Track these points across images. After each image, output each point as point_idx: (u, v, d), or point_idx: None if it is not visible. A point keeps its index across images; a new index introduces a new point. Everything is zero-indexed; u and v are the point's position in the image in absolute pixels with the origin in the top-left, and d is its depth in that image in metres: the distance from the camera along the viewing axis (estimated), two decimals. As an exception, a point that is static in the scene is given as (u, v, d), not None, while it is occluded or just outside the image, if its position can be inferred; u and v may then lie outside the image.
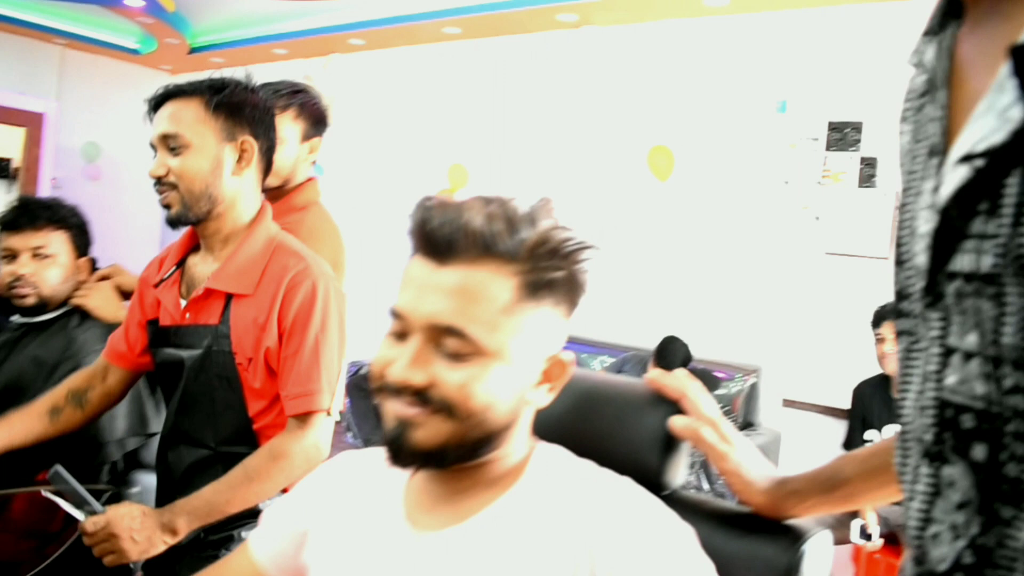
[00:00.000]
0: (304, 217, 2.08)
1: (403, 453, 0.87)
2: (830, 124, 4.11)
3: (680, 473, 1.07)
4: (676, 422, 1.04)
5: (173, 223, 1.55)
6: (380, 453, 1.05)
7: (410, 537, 0.93)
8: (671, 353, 3.82)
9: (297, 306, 1.53)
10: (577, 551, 0.83)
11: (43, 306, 2.04)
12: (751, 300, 4.26)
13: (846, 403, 3.35)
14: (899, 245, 0.63)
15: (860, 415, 3.16)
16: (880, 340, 3.04)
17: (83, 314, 2.07)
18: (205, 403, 1.57)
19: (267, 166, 1.64)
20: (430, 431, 0.85)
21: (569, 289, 0.90)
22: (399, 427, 0.87)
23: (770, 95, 4.28)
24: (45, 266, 2.02)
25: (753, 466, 1.01)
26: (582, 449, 0.97)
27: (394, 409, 0.87)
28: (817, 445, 3.68)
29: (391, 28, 5.53)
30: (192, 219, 1.55)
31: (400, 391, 0.85)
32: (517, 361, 0.86)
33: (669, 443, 1.05)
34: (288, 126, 2.11)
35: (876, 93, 3.91)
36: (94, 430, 1.86)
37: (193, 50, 6.76)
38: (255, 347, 1.53)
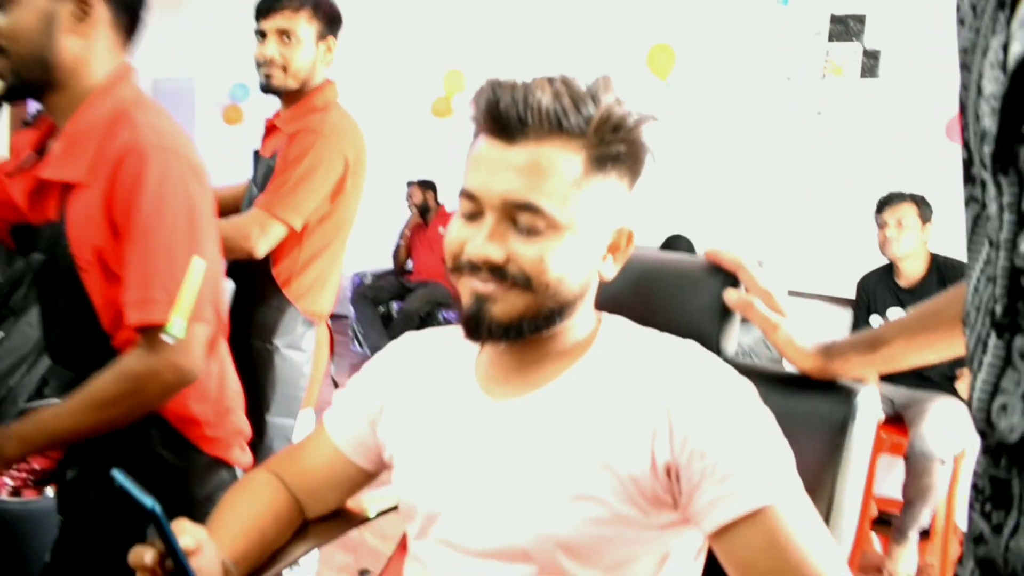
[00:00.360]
0: (325, 117, 2.07)
1: (482, 327, 0.91)
2: (833, 16, 4.07)
3: (733, 340, 1.14)
4: (729, 295, 1.10)
5: (6, 97, 1.32)
6: (444, 332, 1.11)
7: (489, 405, 0.98)
8: (676, 250, 3.89)
9: (123, 189, 1.22)
10: (655, 408, 0.88)
11: None
12: (753, 195, 4.30)
13: (850, 292, 3.42)
14: (962, 108, 0.59)
15: (865, 305, 3.23)
16: (883, 226, 3.08)
17: None
18: (58, 316, 1.36)
19: (130, 22, 1.36)
20: (507, 305, 0.90)
21: (633, 161, 0.94)
22: (477, 302, 0.91)
23: (772, -12, 4.23)
24: None
25: (803, 333, 1.08)
26: (642, 321, 1.03)
27: (471, 286, 0.91)
28: (823, 334, 3.78)
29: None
30: (26, 90, 1.30)
31: (477, 268, 0.90)
32: (587, 233, 0.91)
33: (724, 313, 1.11)
34: (303, 27, 2.06)
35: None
36: None
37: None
38: (89, 246, 1.27)
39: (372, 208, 6.37)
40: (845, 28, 4.05)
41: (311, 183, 1.99)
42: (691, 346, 0.96)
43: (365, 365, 1.14)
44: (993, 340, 0.54)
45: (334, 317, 6.70)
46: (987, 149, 0.53)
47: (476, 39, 5.40)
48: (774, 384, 1.06)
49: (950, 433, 2.71)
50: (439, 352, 1.08)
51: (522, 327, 0.92)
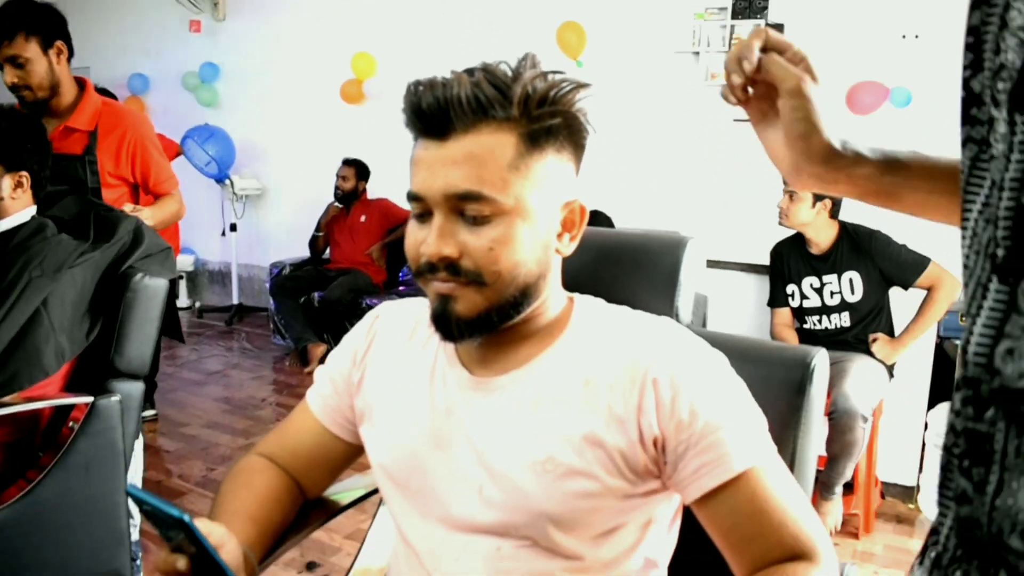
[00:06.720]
0: (117, 108, 2.75)
1: (451, 326, 0.93)
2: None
3: (690, 311, 1.17)
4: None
5: None
6: (422, 303, 1.09)
7: (473, 381, 0.99)
8: (596, 225, 3.95)
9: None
10: (639, 382, 0.91)
11: None
12: (666, 170, 4.39)
13: (764, 259, 3.52)
14: (974, 48, 0.55)
15: (780, 272, 3.33)
16: (789, 194, 3.13)
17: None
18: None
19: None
20: (468, 302, 0.91)
21: (569, 132, 0.94)
22: (441, 303, 0.92)
23: (677, -35, 4.31)
24: None
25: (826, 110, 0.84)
26: (602, 296, 1.06)
27: (434, 287, 0.93)
28: (742, 302, 3.90)
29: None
30: None
31: (436, 268, 0.91)
32: (534, 212, 0.92)
33: (680, 284, 1.14)
34: (25, 48, 2.39)
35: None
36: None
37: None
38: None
39: (286, 198, 6.25)
40: (748, 4, 4.17)
41: (162, 156, 2.74)
42: (667, 322, 0.98)
43: (344, 337, 1.14)
44: (995, 284, 0.53)
45: (254, 310, 6.56)
46: (1002, 85, 0.51)
47: (384, 20, 5.33)
48: (735, 352, 1.10)
49: (870, 391, 2.85)
50: (418, 324, 1.08)
51: (491, 320, 0.93)
